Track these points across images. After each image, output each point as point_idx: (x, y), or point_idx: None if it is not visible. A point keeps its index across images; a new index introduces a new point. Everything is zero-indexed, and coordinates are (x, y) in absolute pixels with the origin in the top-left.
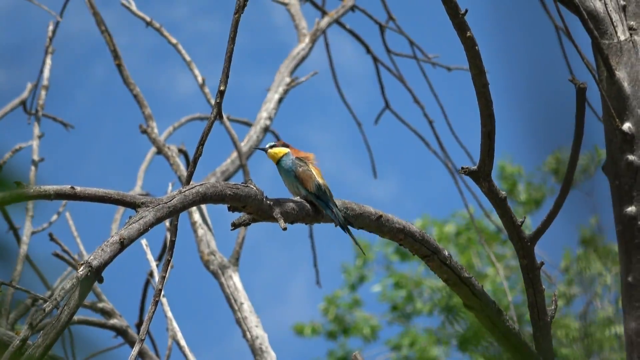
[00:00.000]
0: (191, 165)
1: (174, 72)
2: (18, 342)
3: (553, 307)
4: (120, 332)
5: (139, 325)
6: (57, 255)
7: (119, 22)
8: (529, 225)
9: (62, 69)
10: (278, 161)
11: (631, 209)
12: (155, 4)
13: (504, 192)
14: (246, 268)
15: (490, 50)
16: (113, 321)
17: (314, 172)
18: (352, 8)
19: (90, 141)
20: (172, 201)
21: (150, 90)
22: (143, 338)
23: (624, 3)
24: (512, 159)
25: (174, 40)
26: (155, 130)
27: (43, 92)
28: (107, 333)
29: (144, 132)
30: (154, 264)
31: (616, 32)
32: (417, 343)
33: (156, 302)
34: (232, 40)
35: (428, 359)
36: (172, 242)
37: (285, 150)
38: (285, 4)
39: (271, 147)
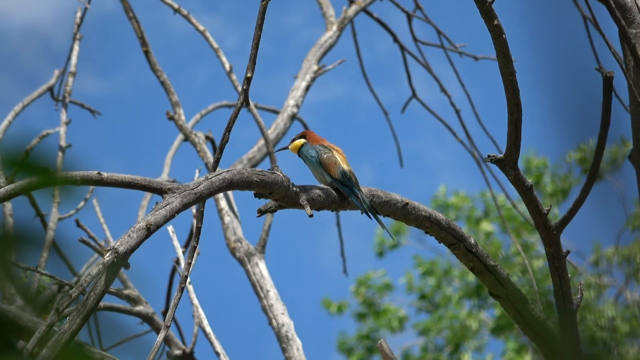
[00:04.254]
0: (217, 151)
1: (202, 59)
2: (44, 327)
3: (579, 296)
4: (146, 318)
5: (165, 313)
6: (83, 241)
7: (148, 9)
8: (558, 216)
9: (92, 56)
10: (299, 151)
11: None
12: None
13: (530, 181)
14: (274, 255)
15: (517, 39)
16: (139, 308)
17: (339, 158)
18: None
19: (118, 128)
20: (198, 187)
21: (177, 77)
22: (168, 325)
23: None
24: (537, 151)
25: (201, 27)
26: (183, 117)
27: (70, 79)
28: (132, 319)
29: (171, 119)
30: (180, 251)
31: None
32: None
33: (182, 289)
34: (260, 27)
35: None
36: (198, 229)
37: (302, 140)
38: None
39: (290, 142)
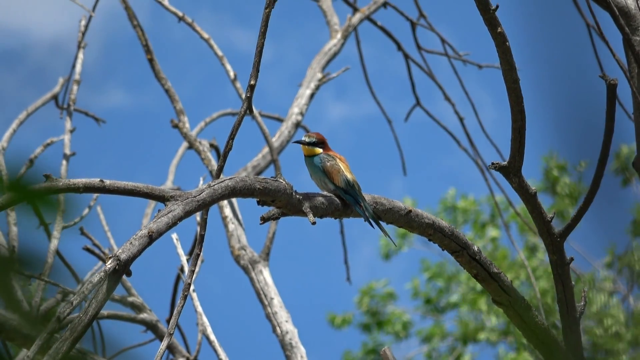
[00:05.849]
0: (221, 159)
1: (206, 68)
2: (46, 335)
3: (582, 303)
4: (150, 326)
5: (169, 320)
6: (87, 249)
7: (152, 18)
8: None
9: (95, 64)
10: (307, 156)
11: None
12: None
13: (534, 188)
14: (278, 263)
15: (521, 47)
16: (143, 315)
17: (342, 166)
18: (384, 5)
19: (122, 136)
20: (201, 195)
21: (181, 85)
22: (172, 332)
23: None
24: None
25: (205, 36)
26: (187, 125)
27: (75, 87)
28: (136, 327)
29: (176, 126)
30: (184, 259)
31: None
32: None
33: (185, 297)
34: (263, 35)
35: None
36: (202, 237)
37: (319, 150)
38: (317, 0)
39: (309, 143)
